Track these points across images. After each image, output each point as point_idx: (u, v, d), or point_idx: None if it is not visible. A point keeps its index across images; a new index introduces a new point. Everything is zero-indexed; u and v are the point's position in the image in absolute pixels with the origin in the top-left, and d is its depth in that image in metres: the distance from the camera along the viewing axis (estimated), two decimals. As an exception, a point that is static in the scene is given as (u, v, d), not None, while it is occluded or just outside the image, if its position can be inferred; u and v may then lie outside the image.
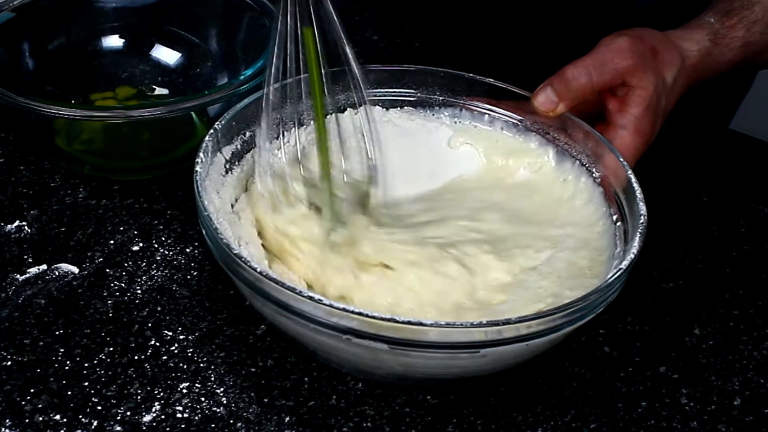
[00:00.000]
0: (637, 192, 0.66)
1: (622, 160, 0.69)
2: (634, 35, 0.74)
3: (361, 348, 0.57)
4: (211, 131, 0.68)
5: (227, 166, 0.69)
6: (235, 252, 0.59)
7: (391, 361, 0.59)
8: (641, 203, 0.65)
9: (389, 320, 0.55)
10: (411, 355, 0.57)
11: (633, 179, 0.67)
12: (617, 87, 0.73)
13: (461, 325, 0.55)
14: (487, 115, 0.77)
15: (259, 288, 0.58)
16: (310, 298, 0.56)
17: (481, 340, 0.56)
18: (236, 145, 0.70)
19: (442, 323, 0.55)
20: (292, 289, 0.56)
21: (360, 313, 0.55)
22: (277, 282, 0.57)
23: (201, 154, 0.66)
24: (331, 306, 0.55)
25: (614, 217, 0.69)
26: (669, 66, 0.75)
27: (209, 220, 0.61)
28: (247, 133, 0.71)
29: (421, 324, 0.55)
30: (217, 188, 0.67)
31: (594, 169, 0.72)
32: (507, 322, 0.56)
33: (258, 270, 0.57)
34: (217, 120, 0.69)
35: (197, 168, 0.65)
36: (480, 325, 0.55)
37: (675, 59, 0.76)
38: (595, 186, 0.72)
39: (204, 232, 0.62)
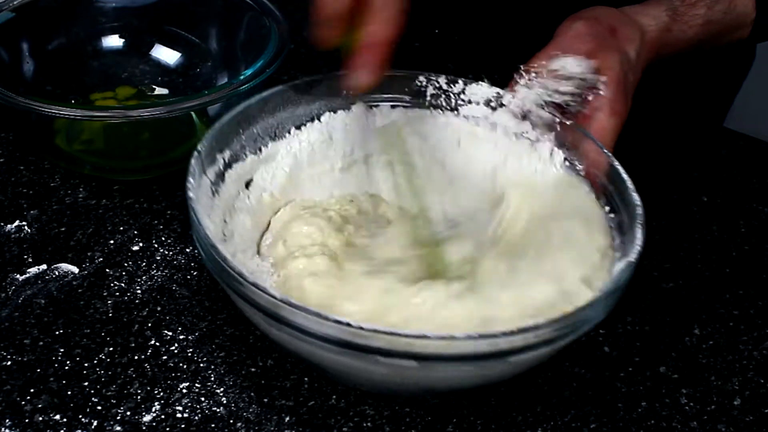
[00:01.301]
0: (628, 183, 0.66)
1: (606, 151, 0.69)
2: (590, 17, 0.74)
3: (388, 367, 0.56)
4: (195, 153, 0.65)
5: (213, 188, 0.67)
6: (249, 280, 0.56)
7: (417, 377, 0.58)
8: (634, 193, 0.65)
9: (421, 337, 0.54)
10: (439, 370, 0.56)
11: (620, 169, 0.67)
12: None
13: (492, 335, 0.54)
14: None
15: (276, 314, 0.56)
16: (337, 321, 0.54)
17: (511, 347, 0.55)
18: (218, 166, 0.68)
19: (475, 335, 0.54)
20: (317, 314, 0.54)
21: (390, 333, 0.54)
22: (298, 308, 0.55)
23: (190, 179, 0.63)
24: (360, 328, 0.54)
25: (606, 209, 0.68)
26: (630, 42, 0.75)
27: (215, 249, 0.58)
28: (227, 152, 0.69)
29: (453, 338, 0.54)
30: (207, 212, 0.65)
31: (576, 162, 0.71)
32: (536, 327, 0.55)
33: (278, 297, 0.55)
34: (215, 122, 0.68)
35: (189, 194, 0.62)
36: (510, 333, 0.54)
37: (634, 34, 0.75)
38: (581, 179, 0.71)
39: (207, 261, 0.60)
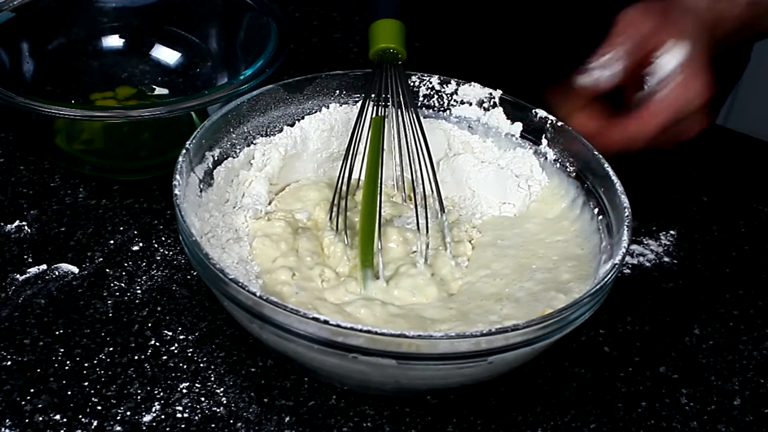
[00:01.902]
0: (617, 185, 0.66)
1: (596, 153, 0.69)
2: (642, 6, 0.73)
3: (368, 365, 0.56)
4: (183, 151, 0.66)
5: (201, 186, 0.68)
6: (230, 277, 0.57)
7: (398, 375, 0.58)
8: (623, 195, 0.65)
9: (398, 336, 0.54)
10: (419, 368, 0.57)
11: (610, 171, 0.67)
12: (648, 57, 0.71)
13: (471, 335, 0.55)
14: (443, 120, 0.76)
15: (258, 312, 0.56)
16: (315, 319, 0.54)
17: (490, 347, 0.55)
18: (207, 164, 0.68)
19: (452, 334, 0.55)
20: (296, 312, 0.55)
21: (368, 331, 0.54)
22: (278, 305, 0.55)
23: (177, 176, 0.64)
24: (338, 326, 0.54)
25: (595, 211, 0.68)
26: (681, 26, 0.73)
27: (197, 246, 0.59)
28: (217, 150, 0.69)
29: (431, 337, 0.54)
30: (194, 210, 0.65)
31: (567, 164, 0.72)
32: (515, 328, 0.55)
33: (258, 294, 0.56)
34: (205, 120, 0.68)
35: (176, 191, 0.63)
36: (489, 333, 0.55)
37: (685, 21, 0.73)
38: (570, 180, 0.71)
39: (191, 258, 0.60)
